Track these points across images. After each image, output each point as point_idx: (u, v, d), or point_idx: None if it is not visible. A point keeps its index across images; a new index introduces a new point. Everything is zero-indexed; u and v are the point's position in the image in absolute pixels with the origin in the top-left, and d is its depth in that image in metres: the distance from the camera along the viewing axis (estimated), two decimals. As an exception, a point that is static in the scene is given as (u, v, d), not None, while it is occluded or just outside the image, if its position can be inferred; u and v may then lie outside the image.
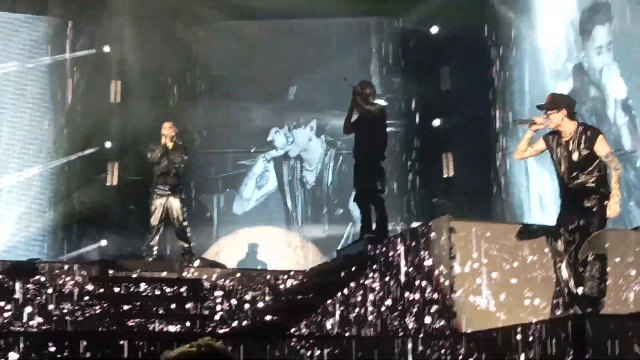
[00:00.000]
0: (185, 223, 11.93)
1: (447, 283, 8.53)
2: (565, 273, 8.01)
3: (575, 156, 8.02)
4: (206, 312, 10.80)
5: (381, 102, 11.19)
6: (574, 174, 8.02)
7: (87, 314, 10.55)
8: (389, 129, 11.75)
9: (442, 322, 8.51)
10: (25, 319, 10.42)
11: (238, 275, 11.21)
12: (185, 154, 12.05)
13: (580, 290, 7.96)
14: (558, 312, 8.18)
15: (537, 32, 15.41)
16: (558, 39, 15.09)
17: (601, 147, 8.00)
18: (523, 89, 15.48)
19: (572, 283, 7.99)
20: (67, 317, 10.55)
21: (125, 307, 10.64)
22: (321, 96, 16.32)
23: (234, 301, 10.96)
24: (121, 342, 7.50)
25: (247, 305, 10.94)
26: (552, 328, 7.16)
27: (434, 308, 8.66)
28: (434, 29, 16.15)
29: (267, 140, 16.81)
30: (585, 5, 14.67)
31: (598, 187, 7.98)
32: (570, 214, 8.05)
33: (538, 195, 15.05)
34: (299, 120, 16.86)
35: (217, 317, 10.85)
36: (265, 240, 15.99)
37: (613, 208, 7.89)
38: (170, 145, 11.94)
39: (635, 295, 8.88)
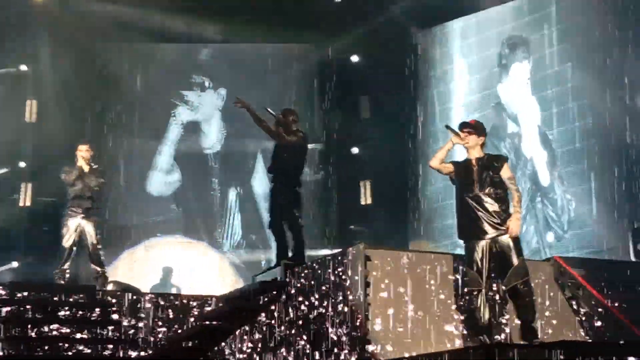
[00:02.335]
0: (99, 246, 11.77)
1: (361, 311, 8.55)
2: (481, 301, 8.14)
3: (482, 181, 8.26)
4: (120, 337, 10.64)
5: (302, 130, 11.17)
6: (482, 198, 8.23)
7: (-5, 338, 10.30)
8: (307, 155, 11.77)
9: (357, 350, 8.53)
10: None
11: (152, 299, 11.07)
12: (101, 177, 11.91)
13: (487, 319, 8.12)
14: (469, 341, 8.27)
15: (456, 65, 15.68)
16: (477, 73, 15.36)
17: (506, 172, 8.37)
18: (440, 121, 15.72)
19: (486, 311, 8.13)
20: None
21: (36, 332, 10.41)
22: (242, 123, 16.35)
23: (147, 326, 10.83)
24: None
25: (160, 331, 10.82)
26: (463, 357, 7.23)
27: (349, 336, 8.67)
28: (355, 58, 16.32)
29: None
30: (504, 40, 14.98)
31: (506, 210, 8.23)
32: (478, 239, 8.20)
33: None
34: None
35: (131, 342, 10.69)
36: (178, 257, 15.90)
37: (513, 225, 8.13)
38: (86, 168, 11.79)
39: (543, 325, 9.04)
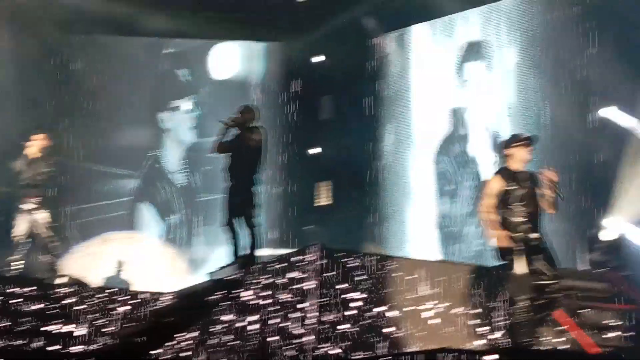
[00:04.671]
0: (50, 238, 11.62)
1: (315, 309, 8.52)
2: None
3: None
4: (67, 331, 10.50)
5: (261, 127, 11.09)
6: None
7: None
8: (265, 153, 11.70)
9: (311, 348, 8.49)
10: None
11: (103, 294, 10.93)
12: (50, 166, 11.76)
13: None
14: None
15: (417, 68, 15.72)
16: (437, 76, 15.40)
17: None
18: (404, 124, 15.76)
19: None
20: None
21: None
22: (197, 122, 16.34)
23: (97, 321, 10.69)
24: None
25: (109, 326, 10.69)
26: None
27: (301, 334, 8.63)
28: (318, 58, 16.25)
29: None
30: (462, 44, 15.04)
31: None
32: None
33: (414, 226, 15.31)
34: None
35: (78, 337, 10.56)
36: (131, 252, 15.78)
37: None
38: (34, 156, 11.65)
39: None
